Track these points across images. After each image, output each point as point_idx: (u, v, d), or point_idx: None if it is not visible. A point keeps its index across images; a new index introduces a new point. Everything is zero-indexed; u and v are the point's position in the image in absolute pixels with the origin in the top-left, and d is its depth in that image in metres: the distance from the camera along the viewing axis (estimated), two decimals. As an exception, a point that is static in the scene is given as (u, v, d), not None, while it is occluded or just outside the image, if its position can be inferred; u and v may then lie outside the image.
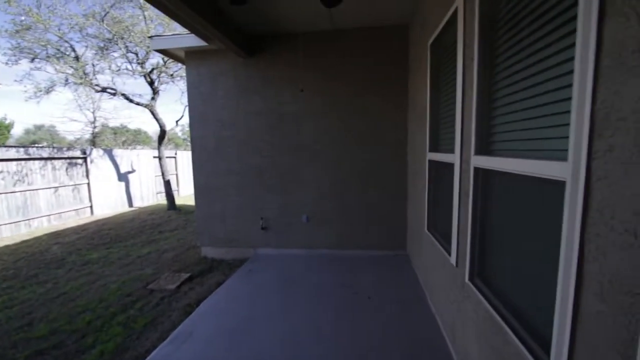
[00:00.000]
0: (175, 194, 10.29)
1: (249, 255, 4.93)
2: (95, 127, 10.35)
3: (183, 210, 10.07)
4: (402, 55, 4.29)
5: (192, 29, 3.73)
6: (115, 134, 22.14)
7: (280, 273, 4.13)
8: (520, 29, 1.43)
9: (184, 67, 8.92)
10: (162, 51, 4.60)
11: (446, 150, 2.53)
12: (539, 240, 1.33)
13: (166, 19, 8.05)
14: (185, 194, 13.75)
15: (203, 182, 4.93)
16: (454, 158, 2.21)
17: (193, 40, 4.37)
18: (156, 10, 7.99)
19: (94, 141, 11.69)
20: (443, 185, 2.68)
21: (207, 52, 4.61)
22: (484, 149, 1.80)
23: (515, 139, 1.51)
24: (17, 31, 6.61)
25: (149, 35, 7.42)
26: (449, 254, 2.39)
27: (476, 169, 1.85)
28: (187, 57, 4.71)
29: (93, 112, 10.21)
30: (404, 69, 4.30)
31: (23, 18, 6.39)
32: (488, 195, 1.81)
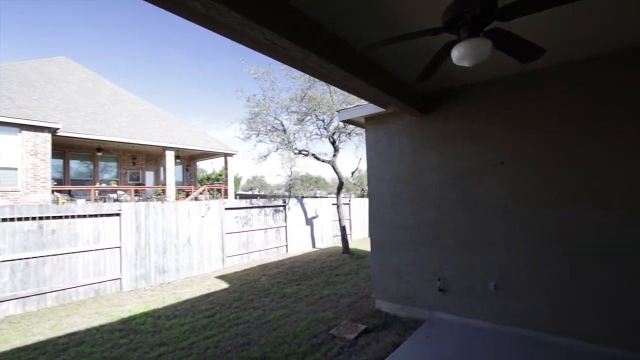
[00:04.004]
0: (348, 237, 11.26)
1: (424, 317, 4.62)
2: (291, 180, 13.08)
3: (355, 254, 10.77)
4: (631, 88, 3.29)
5: (373, 100, 4.21)
6: (302, 182, 27.16)
7: (463, 351, 3.62)
8: None
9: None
10: (346, 121, 5.39)
11: None
12: None
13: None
14: (357, 238, 14.73)
15: (378, 236, 5.15)
16: None
17: (371, 109, 4.90)
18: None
19: (289, 190, 14.69)
20: None
21: (383, 116, 5.04)
22: None
23: None
24: (252, 118, 9.56)
25: (335, 107, 8.95)
26: None
27: None
28: (366, 122, 5.30)
29: (290, 168, 12.99)
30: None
31: (257, 109, 9.21)
32: None
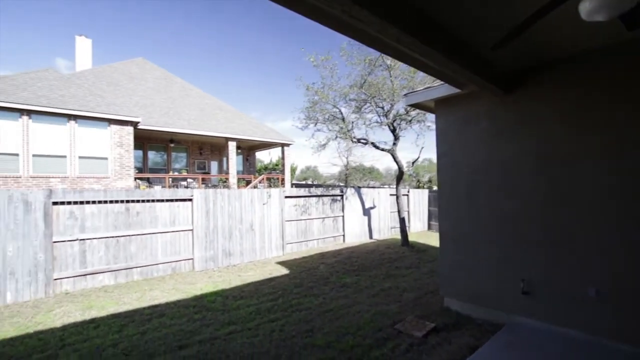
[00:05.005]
0: (407, 229, 10.81)
1: (502, 320, 4.18)
2: (347, 169, 12.96)
3: (415, 247, 10.30)
4: None
5: (450, 79, 3.81)
6: (356, 172, 26.84)
7: (556, 361, 3.17)
8: None
9: (421, 111, 9.48)
10: (413, 105, 5.02)
11: None
12: None
13: (407, 75, 8.96)
14: (415, 231, 14.11)
15: (449, 229, 4.76)
16: None
17: (443, 90, 4.48)
18: (401, 68, 9.04)
19: (345, 180, 14.57)
20: None
21: (457, 98, 4.58)
22: None
23: None
24: (310, 106, 9.54)
25: (396, 92, 8.50)
26: None
27: None
28: (437, 106, 4.87)
29: (347, 157, 12.86)
30: None
31: (316, 98, 9.15)
32: None
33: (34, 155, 10.30)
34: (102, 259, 6.21)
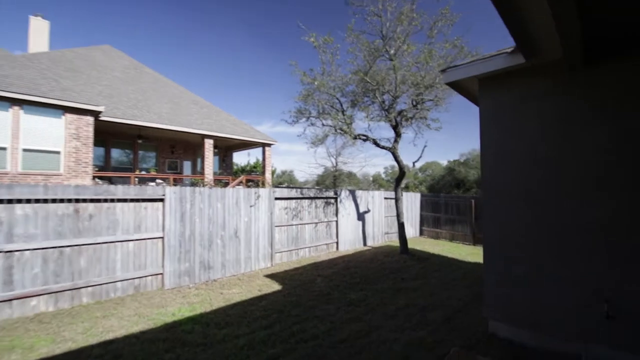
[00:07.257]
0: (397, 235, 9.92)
1: (574, 350, 3.27)
2: (336, 171, 11.97)
3: (416, 255, 9.40)
4: None
5: (526, 39, 2.88)
6: (336, 178, 25.83)
7: None
8: None
9: (423, 109, 8.64)
10: (452, 84, 4.08)
11: None
12: None
13: (410, 66, 8.11)
14: (407, 237, 13.29)
15: (498, 238, 3.82)
16: None
17: (496, 63, 3.59)
18: (405, 61, 8.18)
19: (334, 183, 13.56)
20: None
21: (512, 74, 3.68)
22: None
23: None
24: (308, 95, 8.39)
25: (404, 80, 7.58)
26: None
27: None
28: (482, 85, 3.95)
29: (336, 158, 11.87)
30: None
31: (316, 83, 7.99)
32: None
33: (-38, 146, 8.39)
34: (38, 277, 4.67)
